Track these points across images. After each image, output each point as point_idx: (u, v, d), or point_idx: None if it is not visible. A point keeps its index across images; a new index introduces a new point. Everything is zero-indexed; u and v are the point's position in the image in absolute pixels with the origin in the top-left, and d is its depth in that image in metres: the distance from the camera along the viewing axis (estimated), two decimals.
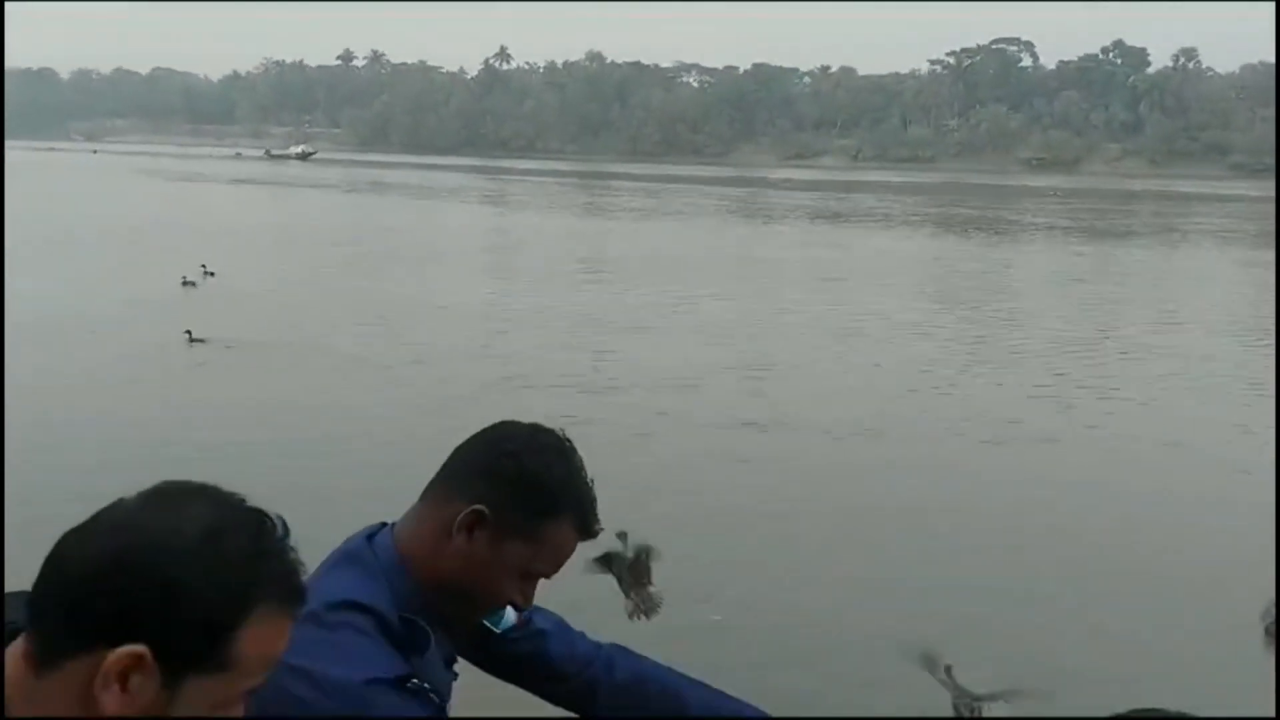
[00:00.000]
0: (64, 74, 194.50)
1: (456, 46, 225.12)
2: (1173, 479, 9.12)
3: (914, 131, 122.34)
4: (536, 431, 1.56)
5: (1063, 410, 11.22)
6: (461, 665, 1.68)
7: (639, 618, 1.91)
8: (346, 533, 1.60)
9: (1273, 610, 1.58)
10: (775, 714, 1.82)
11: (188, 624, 0.96)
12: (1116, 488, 8.66)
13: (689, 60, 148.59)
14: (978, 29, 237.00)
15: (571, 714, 1.83)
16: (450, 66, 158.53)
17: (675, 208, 46.20)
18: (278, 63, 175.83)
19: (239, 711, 1.03)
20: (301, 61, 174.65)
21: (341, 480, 7.90)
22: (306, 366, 12.34)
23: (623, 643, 1.85)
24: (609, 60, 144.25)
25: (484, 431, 1.57)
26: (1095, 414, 11.13)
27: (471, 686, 1.77)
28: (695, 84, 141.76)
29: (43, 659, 0.96)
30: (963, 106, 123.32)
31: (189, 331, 13.12)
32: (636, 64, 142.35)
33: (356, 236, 29.32)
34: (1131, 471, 9.21)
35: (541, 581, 1.58)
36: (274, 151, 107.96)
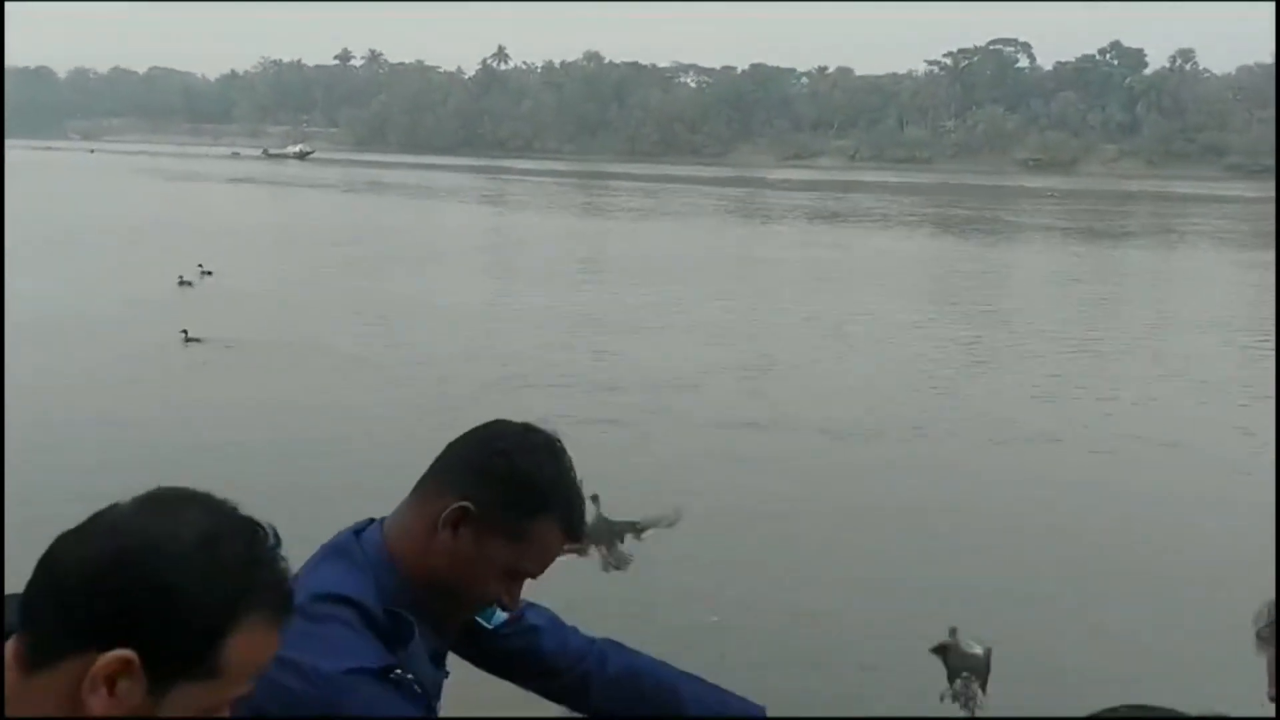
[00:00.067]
0: (61, 73, 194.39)
1: (454, 46, 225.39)
2: (1173, 479, 9.13)
3: (911, 132, 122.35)
4: (528, 431, 1.57)
5: (1062, 410, 11.23)
6: (455, 661, 1.68)
7: (610, 569, 1.94)
8: None
9: (1265, 615, 1.57)
10: (775, 714, 1.81)
11: (180, 628, 0.97)
12: (1116, 488, 8.67)
13: (687, 60, 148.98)
14: (975, 30, 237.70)
15: (565, 709, 1.83)
16: (448, 66, 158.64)
17: (674, 208, 46.21)
18: (275, 62, 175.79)
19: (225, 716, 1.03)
20: (299, 61, 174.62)
21: (341, 480, 7.89)
22: (305, 366, 12.34)
23: (619, 639, 1.86)
24: (607, 60, 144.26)
25: (476, 429, 1.58)
26: (1095, 414, 11.13)
27: (465, 683, 1.77)
28: (693, 84, 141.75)
29: (33, 660, 0.97)
30: (960, 107, 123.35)
31: (185, 331, 13.11)
32: (634, 64, 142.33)
33: (355, 236, 29.31)
34: (1131, 471, 9.21)
35: (544, 578, 1.58)
36: (272, 151, 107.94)
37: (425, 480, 1.55)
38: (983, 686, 1.95)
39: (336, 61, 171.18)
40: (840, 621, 6.07)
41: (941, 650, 1.98)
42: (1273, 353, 13.51)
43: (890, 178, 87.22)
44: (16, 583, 1.07)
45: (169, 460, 8.22)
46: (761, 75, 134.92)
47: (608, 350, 13.67)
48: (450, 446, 1.56)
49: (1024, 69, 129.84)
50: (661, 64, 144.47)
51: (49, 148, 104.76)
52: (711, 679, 1.84)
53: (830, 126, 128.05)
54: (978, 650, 1.98)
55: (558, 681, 1.79)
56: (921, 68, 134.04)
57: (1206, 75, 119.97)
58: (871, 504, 8.11)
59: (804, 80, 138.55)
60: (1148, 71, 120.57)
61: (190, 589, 0.97)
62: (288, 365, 12.37)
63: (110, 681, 0.95)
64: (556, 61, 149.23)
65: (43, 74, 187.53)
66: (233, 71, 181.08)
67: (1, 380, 9.25)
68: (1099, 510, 8.13)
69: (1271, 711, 1.52)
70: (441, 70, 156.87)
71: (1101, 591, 6.59)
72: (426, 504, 1.52)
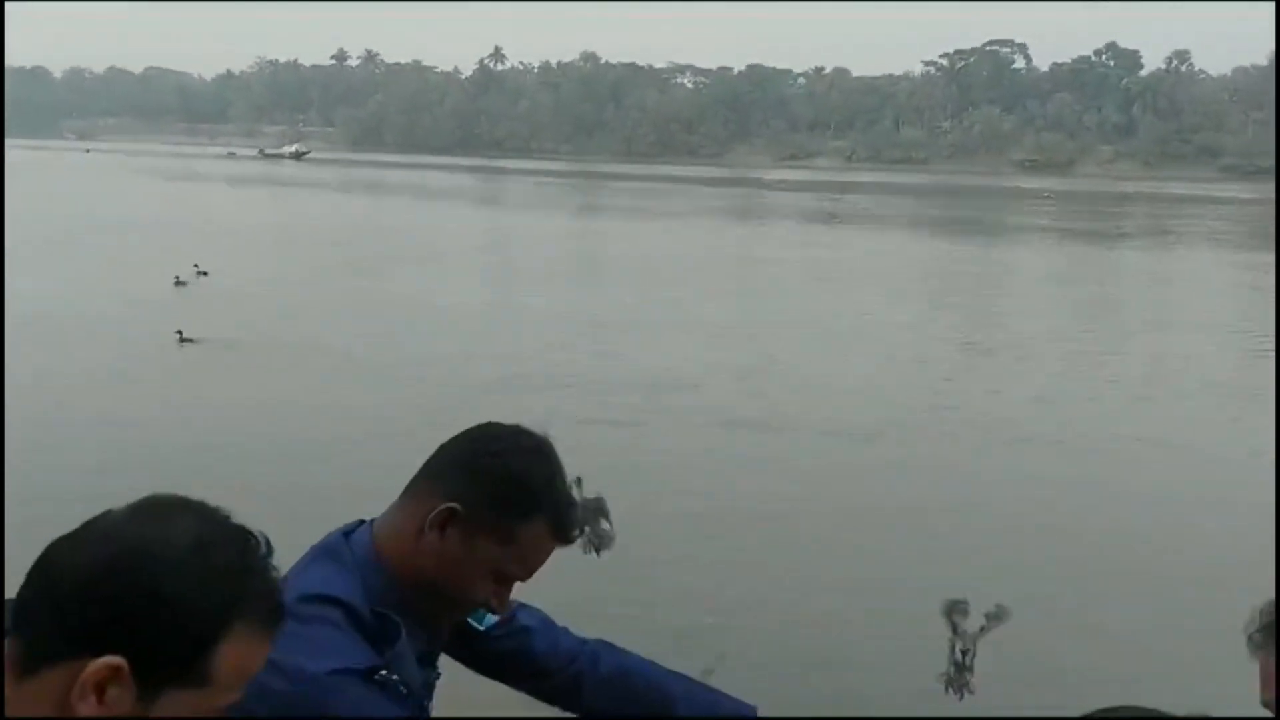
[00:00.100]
0: (57, 73, 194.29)
1: (451, 46, 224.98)
2: (1172, 479, 9.13)
3: (907, 133, 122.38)
4: (519, 433, 1.56)
5: (1062, 411, 11.23)
6: (447, 662, 1.67)
7: (590, 552, 1.94)
8: None
9: (1256, 620, 1.56)
10: (775, 713, 1.81)
11: (171, 635, 0.97)
12: (1116, 488, 8.68)
13: (683, 61, 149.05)
14: (971, 31, 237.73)
15: (557, 710, 1.83)
16: (445, 66, 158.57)
17: (672, 208, 46.22)
18: (272, 62, 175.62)
19: None
20: (296, 61, 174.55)
21: (340, 480, 7.88)
22: (303, 366, 12.32)
23: (619, 640, 1.85)
24: (604, 61, 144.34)
25: (467, 431, 1.57)
26: (1095, 414, 11.14)
27: (457, 684, 1.76)
28: (690, 85, 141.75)
29: (24, 665, 0.96)
30: (956, 108, 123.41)
31: (180, 332, 13.09)
32: (631, 64, 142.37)
33: (352, 236, 29.30)
34: (1131, 471, 9.22)
35: (543, 579, 1.56)
36: (268, 151, 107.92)
37: (416, 481, 1.55)
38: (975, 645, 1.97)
39: (333, 61, 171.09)
40: (840, 621, 6.06)
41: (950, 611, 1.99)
42: (1272, 353, 13.52)
43: (887, 178, 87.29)
44: (16, 583, 1.06)
45: (168, 460, 8.21)
46: (758, 76, 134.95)
47: (607, 350, 13.67)
48: (441, 448, 1.56)
49: (1020, 70, 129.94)
50: (658, 64, 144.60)
51: (45, 147, 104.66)
52: (711, 680, 1.83)
53: (827, 127, 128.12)
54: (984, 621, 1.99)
55: (549, 682, 1.79)
56: (918, 68, 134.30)
57: (1202, 76, 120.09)
58: (871, 504, 8.11)
59: (800, 81, 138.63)
60: (1143, 73, 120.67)
61: (182, 596, 0.97)
62: (285, 365, 12.36)
63: (99, 688, 0.95)
64: (553, 62, 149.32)
65: (38, 74, 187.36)
66: (229, 71, 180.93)
67: (1, 380, 9.22)
68: (1098, 510, 8.13)
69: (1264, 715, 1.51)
70: (438, 70, 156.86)
71: (1101, 591, 6.59)
72: (416, 505, 1.51)
